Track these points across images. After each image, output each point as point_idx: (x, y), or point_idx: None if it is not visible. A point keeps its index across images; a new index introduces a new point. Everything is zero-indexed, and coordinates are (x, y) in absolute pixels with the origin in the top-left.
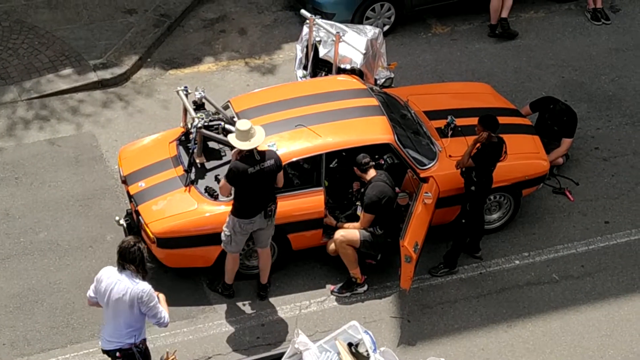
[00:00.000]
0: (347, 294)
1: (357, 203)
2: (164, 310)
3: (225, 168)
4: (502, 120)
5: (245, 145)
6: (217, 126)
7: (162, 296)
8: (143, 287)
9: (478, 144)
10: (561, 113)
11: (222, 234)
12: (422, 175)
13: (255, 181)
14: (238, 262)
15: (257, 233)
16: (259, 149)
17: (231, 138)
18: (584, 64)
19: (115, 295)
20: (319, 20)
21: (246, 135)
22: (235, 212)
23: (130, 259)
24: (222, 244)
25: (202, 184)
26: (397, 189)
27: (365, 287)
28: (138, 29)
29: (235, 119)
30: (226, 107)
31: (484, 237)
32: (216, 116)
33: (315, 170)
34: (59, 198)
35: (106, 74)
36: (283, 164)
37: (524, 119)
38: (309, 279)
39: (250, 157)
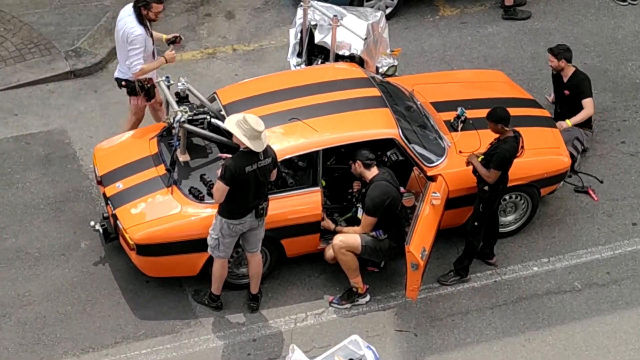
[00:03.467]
0: (348, 305)
1: (358, 205)
2: (140, 60)
3: (211, 166)
4: (518, 111)
5: (257, 146)
6: (202, 120)
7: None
8: (134, 29)
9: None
10: (575, 75)
11: (209, 238)
12: (429, 173)
13: (251, 180)
14: (227, 269)
15: (247, 235)
16: None
17: (239, 135)
18: (608, 48)
19: (118, 31)
20: (315, 2)
21: (260, 135)
22: (223, 213)
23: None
24: (208, 249)
25: (185, 184)
26: (402, 189)
27: (368, 298)
28: (114, 13)
29: (223, 113)
30: (212, 99)
31: (499, 241)
32: (201, 109)
33: (311, 169)
34: (28, 201)
35: (79, 63)
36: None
37: (543, 110)
38: (305, 289)
39: (252, 154)
